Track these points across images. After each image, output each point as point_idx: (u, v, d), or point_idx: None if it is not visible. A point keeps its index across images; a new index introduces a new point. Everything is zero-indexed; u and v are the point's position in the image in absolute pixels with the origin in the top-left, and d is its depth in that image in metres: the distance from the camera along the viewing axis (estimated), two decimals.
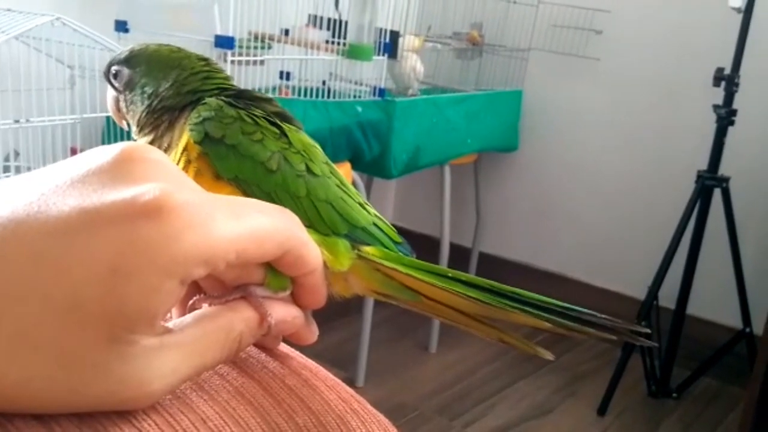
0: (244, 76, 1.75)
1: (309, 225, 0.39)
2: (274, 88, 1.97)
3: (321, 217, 0.40)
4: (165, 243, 0.26)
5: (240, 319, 0.31)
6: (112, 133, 1.71)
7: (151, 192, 0.26)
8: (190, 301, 0.32)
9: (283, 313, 0.33)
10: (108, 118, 1.65)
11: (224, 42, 1.65)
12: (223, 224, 0.28)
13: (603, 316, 0.36)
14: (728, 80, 2.00)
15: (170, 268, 0.26)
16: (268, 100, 0.44)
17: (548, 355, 0.38)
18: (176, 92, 0.43)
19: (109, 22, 1.81)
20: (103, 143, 1.63)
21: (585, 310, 0.37)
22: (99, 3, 1.88)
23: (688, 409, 2.24)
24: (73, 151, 1.53)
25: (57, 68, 1.52)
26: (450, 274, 0.39)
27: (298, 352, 0.36)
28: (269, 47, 1.89)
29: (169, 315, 0.33)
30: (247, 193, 0.40)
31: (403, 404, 2.11)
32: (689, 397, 2.27)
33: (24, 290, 0.25)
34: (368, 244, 0.41)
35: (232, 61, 1.69)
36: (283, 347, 0.36)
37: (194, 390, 0.31)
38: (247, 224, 0.29)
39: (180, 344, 0.28)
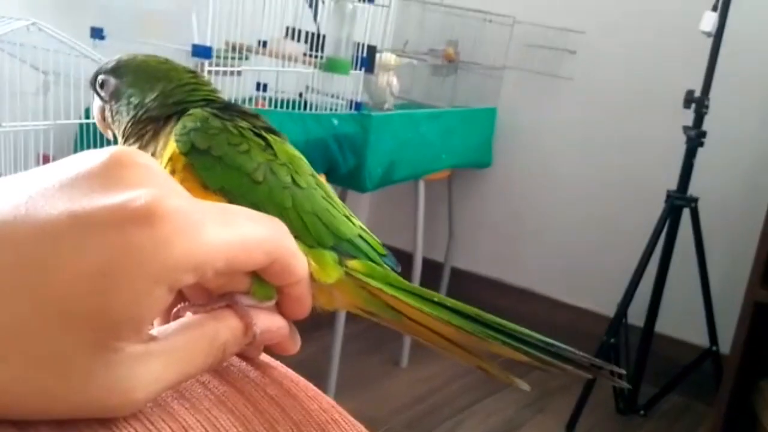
0: (221, 86, 1.75)
1: (295, 236, 0.39)
2: (250, 99, 1.97)
3: (307, 229, 0.40)
4: (155, 249, 0.26)
5: (225, 327, 0.31)
6: (84, 140, 1.69)
7: (142, 198, 0.26)
8: (175, 309, 0.32)
9: (268, 322, 0.33)
10: (81, 125, 1.63)
11: (201, 51, 1.64)
12: (213, 231, 0.28)
13: (583, 354, 0.37)
14: (698, 102, 2.04)
15: (159, 274, 0.26)
16: (255, 116, 0.44)
17: (524, 386, 0.39)
18: (162, 103, 0.43)
19: (85, 28, 1.79)
20: (75, 150, 1.61)
21: (566, 347, 0.37)
22: (75, 9, 1.87)
23: (656, 426, 2.26)
24: (45, 158, 1.51)
25: (31, 73, 1.50)
26: (435, 299, 0.39)
27: (279, 362, 0.36)
28: (246, 58, 1.89)
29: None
30: (233, 204, 0.40)
31: (373, 418, 2.10)
32: (656, 415, 2.30)
33: (9, 294, 0.25)
34: (354, 257, 0.41)
35: (209, 71, 1.68)
36: (264, 357, 0.36)
37: (176, 398, 0.30)
38: (237, 232, 0.29)
39: (165, 352, 0.28)
